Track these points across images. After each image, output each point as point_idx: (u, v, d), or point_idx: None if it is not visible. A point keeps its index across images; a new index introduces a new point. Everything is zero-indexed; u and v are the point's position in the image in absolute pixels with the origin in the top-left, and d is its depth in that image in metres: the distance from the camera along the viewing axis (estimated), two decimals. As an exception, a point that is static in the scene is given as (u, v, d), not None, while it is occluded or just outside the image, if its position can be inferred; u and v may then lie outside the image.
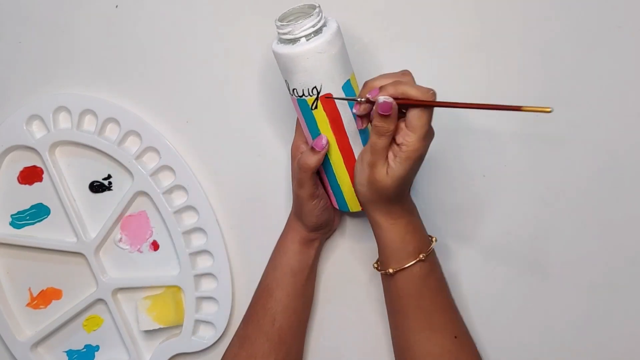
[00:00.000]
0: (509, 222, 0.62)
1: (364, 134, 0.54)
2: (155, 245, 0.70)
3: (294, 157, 0.60)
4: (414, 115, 0.47)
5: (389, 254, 0.55)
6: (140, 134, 0.67)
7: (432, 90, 0.47)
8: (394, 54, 0.62)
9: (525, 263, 0.62)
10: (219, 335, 0.68)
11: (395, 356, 0.58)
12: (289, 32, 0.50)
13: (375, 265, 0.58)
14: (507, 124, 0.60)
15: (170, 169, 0.67)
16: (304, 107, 0.53)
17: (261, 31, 0.62)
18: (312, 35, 0.50)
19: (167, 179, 0.68)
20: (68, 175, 0.70)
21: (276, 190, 0.66)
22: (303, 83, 0.51)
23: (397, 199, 0.52)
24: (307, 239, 0.61)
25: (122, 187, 0.69)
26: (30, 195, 0.71)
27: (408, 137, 0.48)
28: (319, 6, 0.50)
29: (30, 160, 0.70)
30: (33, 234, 0.72)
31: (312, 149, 0.54)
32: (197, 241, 0.68)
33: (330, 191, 0.59)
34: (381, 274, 0.57)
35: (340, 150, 0.55)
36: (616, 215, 0.60)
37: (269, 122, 0.66)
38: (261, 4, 0.63)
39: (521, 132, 0.60)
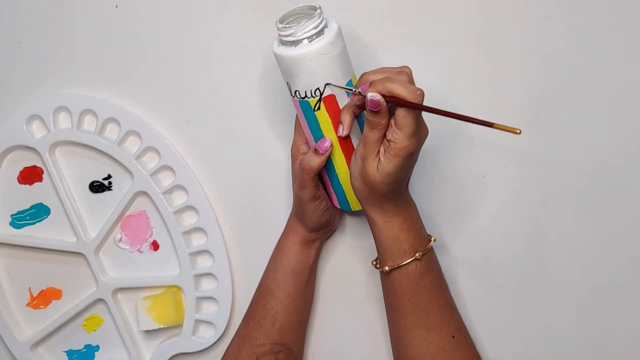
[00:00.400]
0: (509, 222, 0.62)
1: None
2: (155, 245, 0.70)
3: (294, 157, 0.60)
4: (400, 113, 0.47)
5: (384, 252, 0.55)
6: (140, 134, 0.67)
7: (419, 90, 0.47)
8: (393, 54, 0.61)
9: (525, 263, 0.62)
10: (219, 335, 0.68)
11: (393, 354, 0.58)
12: (291, 34, 0.49)
13: (374, 263, 0.58)
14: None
15: (170, 169, 0.67)
16: (307, 109, 0.53)
17: (261, 31, 0.62)
18: (315, 36, 0.50)
19: (167, 179, 0.68)
20: (68, 175, 0.70)
21: (276, 190, 0.66)
22: (306, 85, 0.51)
23: (390, 195, 0.52)
24: (307, 239, 0.61)
25: (122, 187, 0.69)
26: (30, 195, 0.71)
27: (396, 135, 0.48)
28: (320, 7, 0.50)
29: (30, 160, 0.70)
30: (33, 234, 0.72)
31: (316, 151, 0.54)
32: (197, 241, 0.68)
33: (332, 190, 0.59)
34: (379, 271, 0.57)
35: (342, 151, 0.55)
36: (616, 215, 0.60)
37: (269, 122, 0.66)
38: (261, 4, 0.63)
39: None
